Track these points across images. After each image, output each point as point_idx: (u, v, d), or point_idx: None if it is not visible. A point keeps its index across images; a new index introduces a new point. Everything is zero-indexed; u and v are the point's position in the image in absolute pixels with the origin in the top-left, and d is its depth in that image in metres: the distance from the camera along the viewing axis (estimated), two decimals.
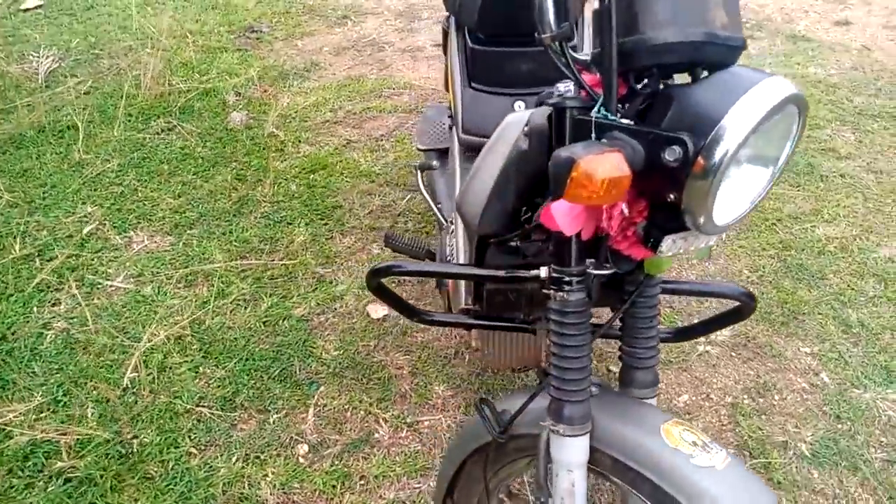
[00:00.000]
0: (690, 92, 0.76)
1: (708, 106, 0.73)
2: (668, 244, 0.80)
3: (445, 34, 1.80)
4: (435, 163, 1.85)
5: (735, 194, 0.78)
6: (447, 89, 2.00)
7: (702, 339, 1.86)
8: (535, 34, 0.82)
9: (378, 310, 1.98)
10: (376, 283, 1.14)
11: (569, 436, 0.91)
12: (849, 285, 2.01)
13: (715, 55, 0.77)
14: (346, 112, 2.92)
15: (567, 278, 0.88)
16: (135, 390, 1.74)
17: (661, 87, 0.80)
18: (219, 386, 1.77)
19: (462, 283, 1.30)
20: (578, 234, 0.85)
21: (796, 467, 1.56)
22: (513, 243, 1.03)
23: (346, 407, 1.73)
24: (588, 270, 0.88)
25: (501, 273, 1.04)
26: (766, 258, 2.11)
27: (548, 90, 0.98)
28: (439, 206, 1.76)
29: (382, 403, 1.74)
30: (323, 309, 2.00)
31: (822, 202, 2.33)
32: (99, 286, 2.05)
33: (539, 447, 0.96)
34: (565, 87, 0.87)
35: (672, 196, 0.76)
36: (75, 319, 1.93)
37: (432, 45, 3.46)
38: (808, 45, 3.31)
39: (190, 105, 2.89)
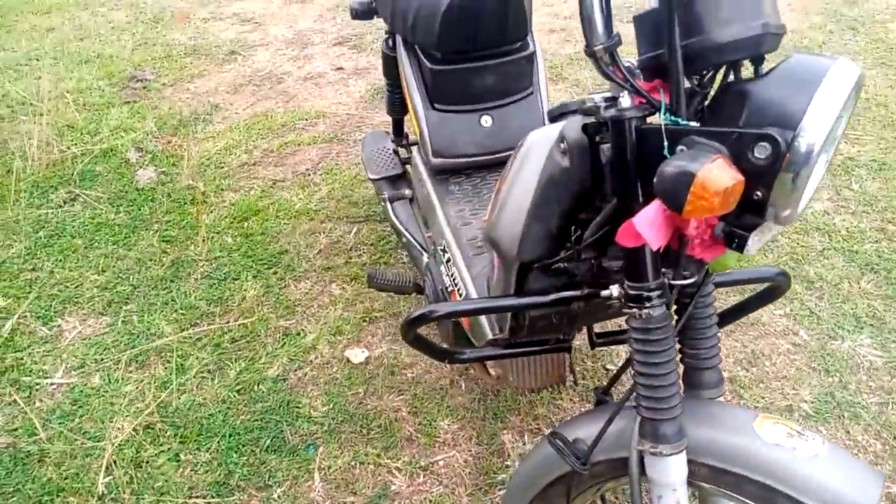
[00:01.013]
0: (763, 86, 0.74)
1: (788, 98, 0.71)
2: (753, 241, 0.78)
3: (388, 57, 1.73)
4: (407, 192, 1.77)
5: (814, 182, 0.77)
6: (389, 113, 1.94)
7: None
8: (585, 46, 0.78)
9: (358, 353, 1.88)
10: (413, 335, 1.06)
11: (670, 455, 0.87)
12: (798, 243, 2.11)
13: (770, 46, 0.77)
14: (262, 151, 2.77)
15: (647, 294, 0.84)
16: (113, 496, 1.55)
17: (726, 85, 0.78)
18: (207, 471, 1.61)
19: (484, 316, 1.23)
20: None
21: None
22: (560, 266, 0.99)
23: (353, 464, 1.62)
24: (668, 283, 0.85)
25: (549, 298, 0.99)
26: None
27: (563, 102, 0.94)
28: (413, 237, 1.68)
29: (390, 451, 1.64)
30: (298, 364, 1.87)
31: None
32: (38, 387, 1.82)
33: (631, 471, 0.92)
34: (602, 97, 0.83)
35: (759, 194, 0.73)
36: (20, 430, 1.70)
37: (333, 69, 3.36)
38: None
39: (89, 170, 2.65)
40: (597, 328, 1.30)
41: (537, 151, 0.95)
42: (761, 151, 0.71)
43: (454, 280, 1.37)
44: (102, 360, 1.90)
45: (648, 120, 0.80)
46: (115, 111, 3.08)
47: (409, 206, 1.80)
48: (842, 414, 1.64)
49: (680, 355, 1.00)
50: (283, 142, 2.81)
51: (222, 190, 2.55)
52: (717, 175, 0.67)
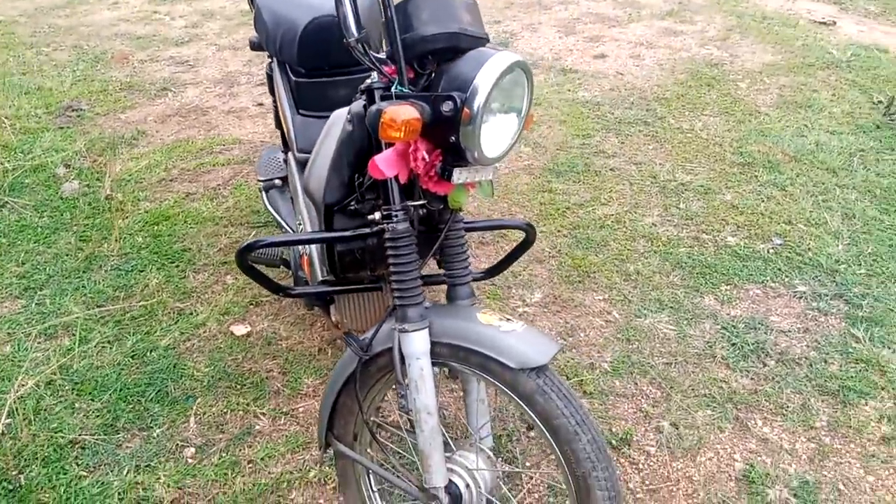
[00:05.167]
0: (454, 66, 1.12)
1: (465, 73, 1.10)
2: (458, 174, 1.15)
3: (269, 77, 2.10)
4: (277, 181, 2.12)
5: (497, 135, 1.15)
6: (277, 126, 2.30)
7: (520, 302, 2.26)
8: (344, 40, 1.15)
9: (241, 328, 2.18)
10: (245, 262, 1.39)
11: (413, 331, 1.21)
12: (625, 247, 2.52)
13: (467, 43, 1.15)
14: (180, 170, 3.10)
15: (394, 213, 1.20)
16: (12, 435, 1.80)
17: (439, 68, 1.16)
18: (97, 416, 1.88)
19: (316, 259, 1.58)
20: (397, 178, 1.18)
21: (602, 380, 1.97)
22: (352, 207, 1.34)
23: (225, 411, 1.91)
24: (408, 204, 1.21)
25: (349, 233, 1.35)
26: (560, 237, 2.58)
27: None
28: (284, 220, 2.02)
29: (258, 401, 1.93)
30: (188, 336, 2.16)
31: (599, 190, 2.87)
32: None
33: (393, 349, 1.25)
34: (371, 78, 1.21)
35: (453, 138, 1.11)
36: None
37: (254, 105, 3.73)
38: (574, 75, 3.98)
39: (19, 181, 2.93)
40: None
41: (337, 123, 1.32)
42: (447, 106, 1.08)
43: (305, 247, 1.71)
44: (14, 333, 2.16)
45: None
46: (49, 135, 3.38)
47: (289, 200, 2.15)
48: (634, 371, 2.01)
49: (443, 277, 1.36)
50: (200, 162, 3.15)
51: (139, 200, 2.86)
52: (398, 111, 1.04)
